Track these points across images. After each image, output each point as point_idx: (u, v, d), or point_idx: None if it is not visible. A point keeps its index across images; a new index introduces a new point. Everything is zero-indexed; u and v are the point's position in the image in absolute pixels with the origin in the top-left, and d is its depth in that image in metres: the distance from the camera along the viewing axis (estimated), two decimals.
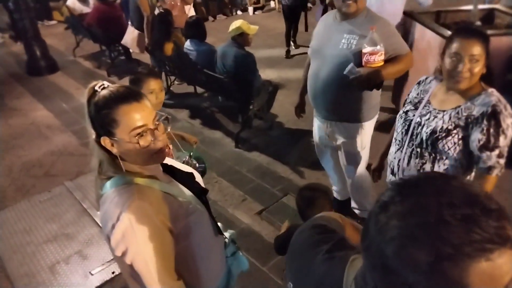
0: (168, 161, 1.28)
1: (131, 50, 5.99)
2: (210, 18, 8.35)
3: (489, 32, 3.34)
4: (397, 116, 1.88)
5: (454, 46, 1.57)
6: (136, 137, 1.07)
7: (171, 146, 2.24)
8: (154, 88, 2.10)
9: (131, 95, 1.10)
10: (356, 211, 2.87)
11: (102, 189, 1.14)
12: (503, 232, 0.54)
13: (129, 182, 1.12)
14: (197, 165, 2.34)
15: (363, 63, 2.06)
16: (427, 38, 3.74)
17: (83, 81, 5.90)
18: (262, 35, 7.16)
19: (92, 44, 6.72)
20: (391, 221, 0.57)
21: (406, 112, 1.82)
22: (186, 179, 1.27)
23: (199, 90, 5.10)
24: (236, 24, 3.73)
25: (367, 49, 2.03)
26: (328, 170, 2.93)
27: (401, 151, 1.81)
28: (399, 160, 1.83)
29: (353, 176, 2.62)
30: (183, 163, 2.27)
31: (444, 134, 1.64)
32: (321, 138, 2.65)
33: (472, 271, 0.52)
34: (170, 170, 1.26)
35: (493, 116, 1.53)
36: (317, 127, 2.64)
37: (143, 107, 1.09)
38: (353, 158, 2.54)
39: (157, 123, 1.12)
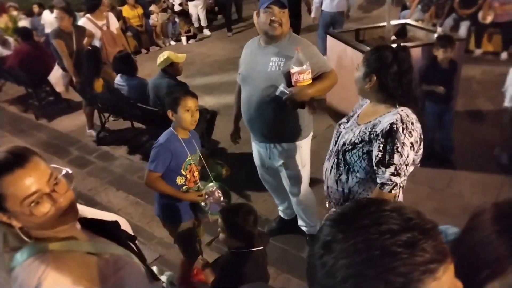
0: (87, 212, 1.18)
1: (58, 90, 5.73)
2: (143, 51, 8.26)
3: (402, 44, 3.63)
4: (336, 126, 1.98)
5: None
6: (30, 207, 0.95)
7: (196, 173, 2.26)
8: (190, 106, 2.15)
9: (12, 161, 0.96)
10: (304, 228, 2.90)
11: (12, 262, 0.99)
12: (441, 248, 0.56)
13: (43, 250, 0.99)
14: (221, 198, 2.29)
15: (293, 83, 2.13)
16: (349, 55, 3.98)
17: (10, 127, 5.52)
18: (198, 63, 7.21)
19: (16, 87, 6.34)
20: (338, 262, 0.56)
21: (339, 125, 1.92)
22: (111, 230, 1.16)
23: (137, 124, 4.97)
24: (163, 55, 3.72)
25: (295, 69, 2.10)
26: (272, 191, 2.95)
27: (329, 161, 1.90)
28: (327, 169, 1.91)
29: (297, 194, 2.66)
30: (205, 194, 2.27)
31: (350, 147, 1.71)
32: (262, 161, 2.69)
33: None
34: (90, 224, 1.14)
35: (389, 134, 1.57)
36: (256, 150, 2.67)
37: (31, 171, 0.96)
38: (295, 177, 2.58)
39: (55, 181, 1.00)
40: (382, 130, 1.60)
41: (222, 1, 8.99)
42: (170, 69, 3.76)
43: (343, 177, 1.79)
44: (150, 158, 2.19)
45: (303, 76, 2.10)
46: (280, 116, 2.35)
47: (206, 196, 2.28)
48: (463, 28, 6.23)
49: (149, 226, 3.37)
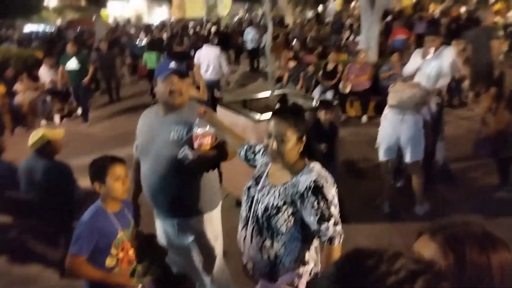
0: None
1: None
2: (7, 133, 7.27)
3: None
4: (243, 190, 1.88)
5: (270, 126, 1.70)
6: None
7: (131, 251, 2.10)
8: (120, 174, 1.99)
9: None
10: None
11: None
12: None
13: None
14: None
15: (196, 147, 2.03)
16: (241, 124, 4.10)
17: None
18: (75, 142, 6.59)
19: None
20: None
21: (249, 188, 1.84)
22: None
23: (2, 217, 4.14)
24: (37, 134, 3.26)
25: (198, 131, 2.02)
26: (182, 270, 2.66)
27: (246, 229, 1.79)
28: (244, 238, 1.80)
29: (211, 272, 2.43)
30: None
31: (275, 211, 1.67)
32: (169, 241, 2.42)
33: None
34: None
35: (317, 191, 1.61)
36: (162, 229, 2.41)
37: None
38: (208, 253, 2.38)
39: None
40: (307, 189, 1.62)
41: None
42: (46, 148, 3.29)
43: (268, 243, 1.70)
44: (72, 239, 1.88)
45: (206, 139, 2.02)
46: (187, 187, 2.21)
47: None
48: (329, 97, 7.12)
49: None
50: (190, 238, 2.32)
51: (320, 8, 24.84)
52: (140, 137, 2.35)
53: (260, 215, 1.71)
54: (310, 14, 24.35)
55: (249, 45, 12.64)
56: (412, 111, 3.65)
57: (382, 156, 3.93)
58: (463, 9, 14.95)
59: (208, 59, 6.72)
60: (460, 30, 10.91)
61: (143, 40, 13.52)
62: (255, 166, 1.98)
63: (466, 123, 6.22)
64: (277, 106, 4.45)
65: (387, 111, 3.83)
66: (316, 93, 7.22)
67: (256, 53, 12.88)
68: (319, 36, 14.50)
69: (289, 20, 19.40)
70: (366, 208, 4.08)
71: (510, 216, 3.77)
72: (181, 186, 2.20)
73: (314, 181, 1.62)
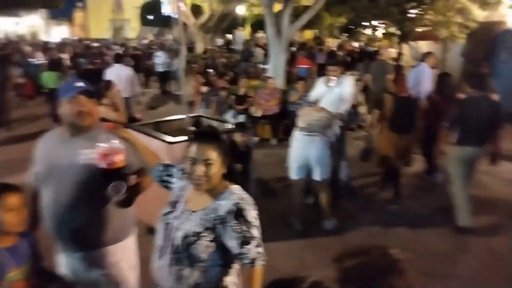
0: None
1: None
2: None
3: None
4: (159, 217, 1.79)
5: (191, 150, 1.64)
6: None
7: None
8: (14, 204, 1.76)
9: None
10: None
11: None
12: None
13: None
14: None
15: (106, 165, 1.86)
16: (153, 146, 3.98)
17: None
18: None
19: None
20: None
21: (165, 215, 1.76)
22: None
23: None
24: None
25: (107, 148, 1.85)
26: None
27: (163, 258, 1.70)
28: (161, 268, 1.70)
29: None
30: None
31: (195, 238, 1.61)
32: (76, 275, 2.18)
33: None
34: None
35: (239, 215, 1.60)
36: (67, 263, 2.17)
37: None
38: (122, 285, 2.20)
39: None
40: (229, 213, 1.60)
41: None
42: None
43: (187, 272, 1.63)
44: None
45: (118, 156, 1.86)
46: (97, 216, 2.04)
47: None
48: (241, 119, 7.31)
49: None
50: (104, 271, 2.13)
51: (229, 36, 25.67)
52: (40, 163, 2.12)
53: (179, 243, 1.63)
54: (220, 41, 25.01)
55: (160, 68, 12.53)
56: (319, 133, 3.94)
57: (293, 176, 4.14)
58: (356, 44, 16.76)
59: (119, 79, 6.47)
60: (354, 62, 12.19)
61: (39, 59, 12.49)
62: (169, 189, 1.90)
63: (363, 144, 6.88)
64: (192, 128, 4.43)
65: (297, 133, 4.07)
66: (228, 117, 7.36)
67: (167, 76, 12.77)
68: (229, 63, 14.94)
69: (199, 46, 19.66)
70: (279, 227, 4.21)
71: (402, 226, 4.24)
72: (90, 215, 2.03)
73: (236, 204, 1.61)
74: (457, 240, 3.97)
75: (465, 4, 9.82)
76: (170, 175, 1.91)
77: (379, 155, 4.78)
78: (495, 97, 5.55)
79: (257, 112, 7.21)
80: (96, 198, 1.96)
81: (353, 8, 11.94)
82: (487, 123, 3.85)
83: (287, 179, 4.55)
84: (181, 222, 1.67)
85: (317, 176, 4.02)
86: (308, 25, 16.07)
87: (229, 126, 4.26)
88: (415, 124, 4.57)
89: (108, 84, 5.31)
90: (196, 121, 4.84)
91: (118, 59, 7.66)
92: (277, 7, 10.38)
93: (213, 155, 1.63)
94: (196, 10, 19.08)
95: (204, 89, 8.03)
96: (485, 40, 9.92)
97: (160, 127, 4.51)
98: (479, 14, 9.70)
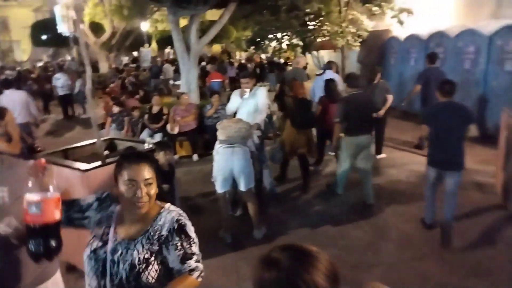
0: None
1: None
2: None
3: (112, 159, 3.71)
4: (85, 257, 1.63)
5: (127, 173, 1.54)
6: None
7: None
8: None
9: None
10: None
11: None
12: None
13: None
14: None
15: (28, 219, 1.43)
16: (64, 176, 3.64)
17: None
18: None
19: None
20: None
21: (95, 251, 1.59)
22: None
23: None
24: None
25: (39, 197, 1.42)
26: None
27: None
28: None
29: None
30: None
31: (144, 265, 1.52)
32: None
33: None
34: None
35: (181, 231, 1.58)
36: None
37: None
38: None
39: None
40: (171, 231, 1.56)
41: None
42: None
43: None
44: None
45: (57, 205, 1.46)
46: (15, 258, 1.80)
47: None
48: (157, 139, 7.07)
49: None
50: None
51: (135, 53, 24.84)
52: None
53: (125, 275, 1.51)
54: (125, 59, 24.06)
55: (61, 91, 11.60)
56: (240, 144, 3.98)
57: (219, 189, 4.11)
58: (263, 56, 17.44)
59: (13, 104, 5.83)
60: (264, 74, 12.64)
61: None
62: (82, 226, 1.68)
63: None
64: (106, 152, 4.16)
65: (218, 146, 4.06)
66: (144, 136, 7.07)
67: (69, 100, 11.89)
68: (138, 81, 14.44)
69: (103, 65, 18.68)
70: (210, 242, 4.13)
71: (328, 224, 4.46)
72: (3, 259, 1.78)
73: (177, 221, 1.59)
74: (375, 230, 4.30)
75: (356, 15, 10.84)
76: (82, 210, 1.68)
77: (287, 149, 5.30)
78: (390, 97, 6.26)
79: (174, 129, 7.05)
80: (5, 245, 1.71)
81: (257, 22, 12.40)
82: (366, 115, 4.68)
83: (213, 193, 4.52)
84: (120, 254, 1.54)
85: (242, 186, 4.04)
86: (216, 39, 16.32)
87: (147, 146, 4.09)
88: (312, 120, 5.35)
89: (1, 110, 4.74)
90: (109, 144, 4.56)
91: (8, 84, 6.95)
92: (183, 22, 10.36)
93: (151, 174, 1.58)
94: (96, 28, 18.14)
95: (116, 109, 7.62)
96: (375, 47, 11.06)
97: (69, 155, 4.16)
98: (369, 24, 10.77)
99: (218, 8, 8.67)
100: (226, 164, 3.98)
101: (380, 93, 6.42)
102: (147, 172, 1.57)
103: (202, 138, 7.38)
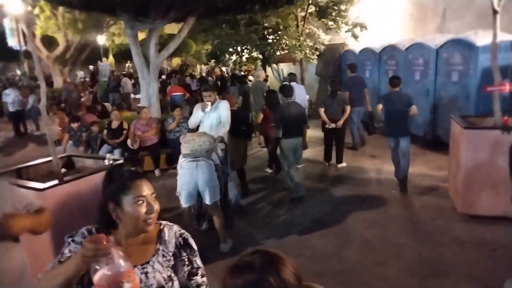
0: None
1: None
2: None
3: (71, 177, 3.59)
4: None
5: (133, 191, 1.44)
6: None
7: None
8: None
9: None
10: None
11: None
12: None
13: None
14: None
15: None
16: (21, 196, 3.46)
17: None
18: None
19: None
20: None
21: None
22: None
23: None
24: None
25: (110, 272, 1.23)
26: None
27: None
28: None
29: None
30: None
31: (170, 284, 1.48)
32: None
33: None
34: None
35: (187, 245, 1.57)
36: None
37: None
38: None
39: None
40: (177, 247, 1.54)
41: None
42: None
43: None
44: None
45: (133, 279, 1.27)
46: None
47: None
48: (117, 154, 6.89)
49: None
50: None
51: (91, 67, 24.14)
52: None
53: None
54: (81, 73, 23.31)
55: (11, 108, 11.05)
56: (204, 157, 3.97)
57: (184, 203, 4.05)
58: (224, 69, 17.51)
59: None
60: (225, 86, 12.70)
61: None
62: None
63: None
64: (63, 170, 3.99)
65: (182, 161, 4.02)
66: (103, 152, 6.86)
67: (20, 116, 11.33)
68: (95, 96, 14.03)
69: (57, 80, 17.98)
70: None
71: (292, 234, 4.52)
72: None
73: (181, 235, 1.58)
74: (339, 238, 4.41)
75: (313, 30, 11.20)
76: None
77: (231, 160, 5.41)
78: (348, 108, 6.51)
79: (134, 144, 6.89)
80: None
81: (216, 35, 12.47)
82: (298, 121, 5.39)
83: (177, 208, 4.45)
84: (140, 281, 1.42)
85: (207, 200, 4.02)
86: (176, 53, 16.21)
87: (108, 162, 3.98)
88: (248, 130, 5.84)
89: None
90: (67, 161, 4.39)
91: None
92: (141, 35, 10.22)
93: (153, 189, 1.51)
94: (48, 41, 17.48)
95: (75, 125, 7.34)
96: (332, 59, 11.46)
97: (23, 174, 3.96)
98: (325, 38, 11.16)
99: (177, 22, 8.65)
100: (191, 178, 3.94)
101: (338, 104, 6.68)
102: (150, 187, 1.50)
103: (164, 153, 7.27)
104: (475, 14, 7.77)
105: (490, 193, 4.44)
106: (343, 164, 6.91)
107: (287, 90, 5.62)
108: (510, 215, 4.23)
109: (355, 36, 10.75)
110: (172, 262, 1.52)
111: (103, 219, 1.49)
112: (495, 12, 4.39)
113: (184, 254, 1.55)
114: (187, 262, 1.55)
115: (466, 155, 4.57)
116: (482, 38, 6.55)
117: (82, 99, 12.15)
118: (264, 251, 1.10)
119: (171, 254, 1.53)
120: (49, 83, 16.81)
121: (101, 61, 19.74)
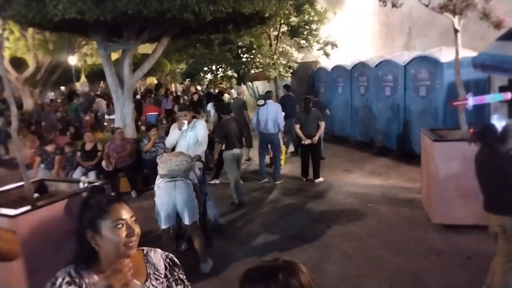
0: None
1: None
2: None
3: (44, 202, 3.50)
4: None
5: (111, 215, 1.40)
6: None
7: None
8: None
9: None
10: None
11: None
12: None
13: None
14: None
15: None
16: None
17: None
18: None
19: None
20: None
21: None
22: None
23: None
24: None
25: None
26: None
27: None
28: None
29: None
30: None
31: None
32: None
33: None
34: None
35: (174, 265, 1.58)
36: None
37: None
38: None
39: None
40: (167, 268, 1.55)
41: None
42: None
43: None
44: None
45: None
46: None
47: None
48: (92, 177, 6.74)
49: None
50: None
51: (63, 88, 23.67)
52: None
53: None
54: (51, 95, 22.76)
55: None
56: (181, 177, 3.94)
57: (162, 225, 3.99)
58: (199, 87, 17.55)
59: None
60: (201, 105, 12.70)
61: None
62: None
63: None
64: (36, 195, 3.88)
65: (159, 181, 3.98)
66: (77, 175, 6.69)
67: None
68: (67, 117, 13.76)
69: (28, 102, 17.50)
70: None
71: (274, 251, 4.51)
72: None
73: (167, 256, 1.58)
74: (319, 252, 4.44)
75: (286, 48, 11.45)
76: None
77: None
78: (322, 124, 6.65)
79: (109, 166, 6.76)
80: None
81: (191, 55, 12.53)
82: (237, 134, 6.15)
83: (155, 230, 4.38)
84: None
85: (186, 220, 3.98)
86: (150, 72, 16.14)
87: (82, 185, 3.89)
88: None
89: None
90: (39, 186, 4.26)
91: None
92: (115, 55, 10.16)
93: (131, 212, 1.48)
94: (18, 63, 17.06)
95: (49, 147, 7.12)
96: (305, 77, 11.71)
97: None
98: (298, 56, 11.43)
99: (151, 42, 8.66)
100: (169, 198, 3.90)
101: (313, 120, 6.82)
102: (129, 210, 1.46)
103: (141, 174, 7.16)
104: (438, 32, 8.18)
105: (461, 202, 4.60)
106: (321, 179, 7.00)
107: (225, 109, 6.56)
108: (482, 224, 4.40)
109: (326, 54, 11.08)
110: (165, 284, 1.53)
111: (83, 251, 1.43)
112: (456, 31, 4.65)
113: (175, 273, 1.57)
114: (179, 282, 1.57)
115: (437, 167, 4.73)
116: (446, 55, 6.89)
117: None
118: (282, 259, 1.17)
119: (162, 276, 1.54)
120: (19, 105, 16.33)
121: (73, 82, 19.38)
